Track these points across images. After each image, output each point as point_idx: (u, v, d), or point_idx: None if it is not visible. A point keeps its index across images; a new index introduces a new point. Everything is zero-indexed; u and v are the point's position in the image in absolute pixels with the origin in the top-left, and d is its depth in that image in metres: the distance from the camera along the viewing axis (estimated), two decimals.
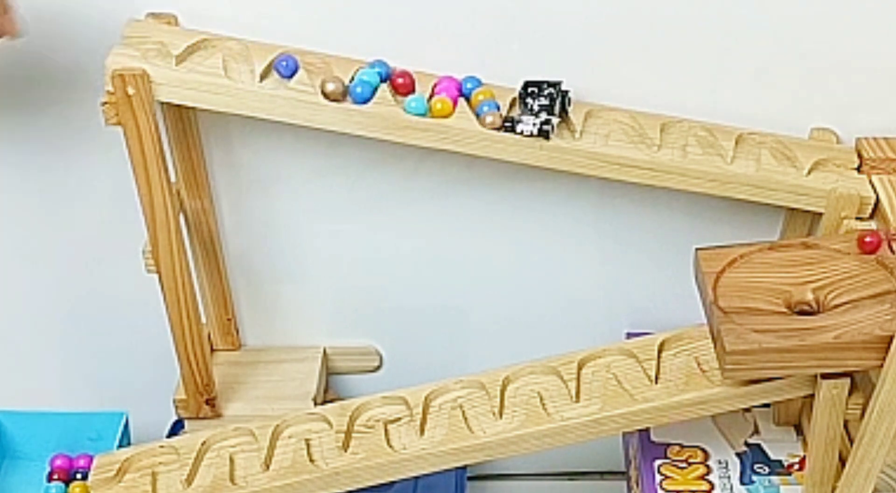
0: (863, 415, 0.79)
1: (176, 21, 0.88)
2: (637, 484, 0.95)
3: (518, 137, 0.85)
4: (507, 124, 0.85)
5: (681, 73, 0.90)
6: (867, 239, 0.81)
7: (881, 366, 0.75)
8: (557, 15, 0.86)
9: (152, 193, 0.86)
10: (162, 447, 0.90)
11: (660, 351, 0.87)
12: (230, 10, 0.87)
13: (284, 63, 0.84)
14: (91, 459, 0.91)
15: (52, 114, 0.93)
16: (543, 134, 0.85)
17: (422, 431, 0.86)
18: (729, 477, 0.91)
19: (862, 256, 0.81)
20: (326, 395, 1.06)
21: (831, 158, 0.89)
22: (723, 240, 0.84)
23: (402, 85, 0.85)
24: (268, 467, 0.86)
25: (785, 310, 0.78)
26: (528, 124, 0.85)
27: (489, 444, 0.85)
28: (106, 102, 0.82)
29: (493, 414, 0.86)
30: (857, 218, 0.87)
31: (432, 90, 0.87)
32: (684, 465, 0.92)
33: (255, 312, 1.06)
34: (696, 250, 0.83)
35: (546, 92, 0.86)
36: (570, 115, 0.87)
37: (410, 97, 0.85)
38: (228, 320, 1.04)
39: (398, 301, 1.05)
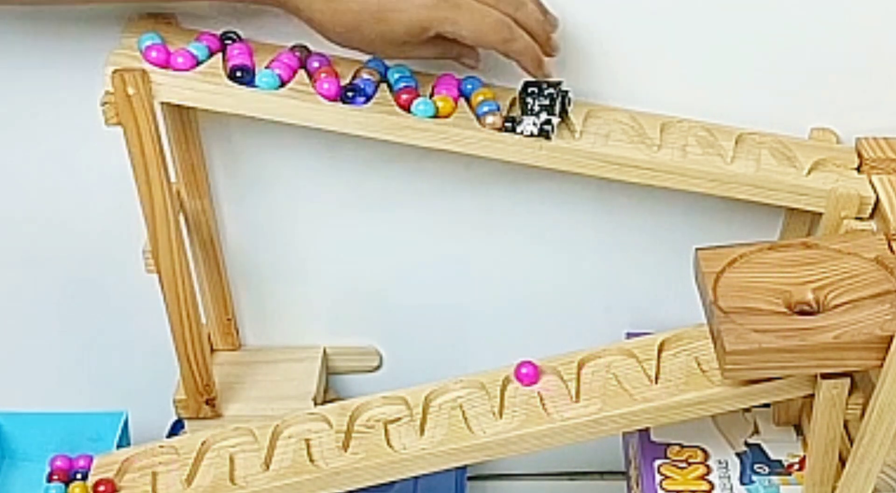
0: (863, 415, 0.79)
1: (176, 21, 0.88)
2: (637, 484, 0.95)
3: (518, 137, 0.85)
4: (508, 124, 0.85)
5: (681, 73, 0.90)
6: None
7: (881, 366, 0.75)
8: (557, 15, 0.86)
9: (152, 193, 0.86)
10: (162, 447, 0.90)
11: (660, 351, 0.87)
12: (229, 9, 0.87)
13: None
14: (91, 459, 0.91)
15: (52, 113, 0.93)
16: (544, 134, 0.85)
17: (422, 431, 0.86)
18: (729, 477, 0.91)
19: (861, 256, 0.81)
20: (326, 395, 1.06)
21: (831, 158, 0.88)
22: (723, 240, 0.84)
23: (406, 101, 0.85)
24: (268, 467, 0.86)
25: (785, 310, 0.78)
26: (529, 124, 0.85)
27: (489, 444, 0.85)
28: (106, 102, 0.82)
29: (493, 414, 0.86)
30: (857, 218, 0.87)
31: (432, 89, 0.87)
32: (684, 465, 0.92)
33: (255, 312, 1.06)
34: (696, 250, 0.83)
35: (546, 92, 0.86)
36: (570, 115, 0.87)
37: (417, 101, 0.84)
38: (228, 320, 1.04)
39: (398, 301, 1.05)
